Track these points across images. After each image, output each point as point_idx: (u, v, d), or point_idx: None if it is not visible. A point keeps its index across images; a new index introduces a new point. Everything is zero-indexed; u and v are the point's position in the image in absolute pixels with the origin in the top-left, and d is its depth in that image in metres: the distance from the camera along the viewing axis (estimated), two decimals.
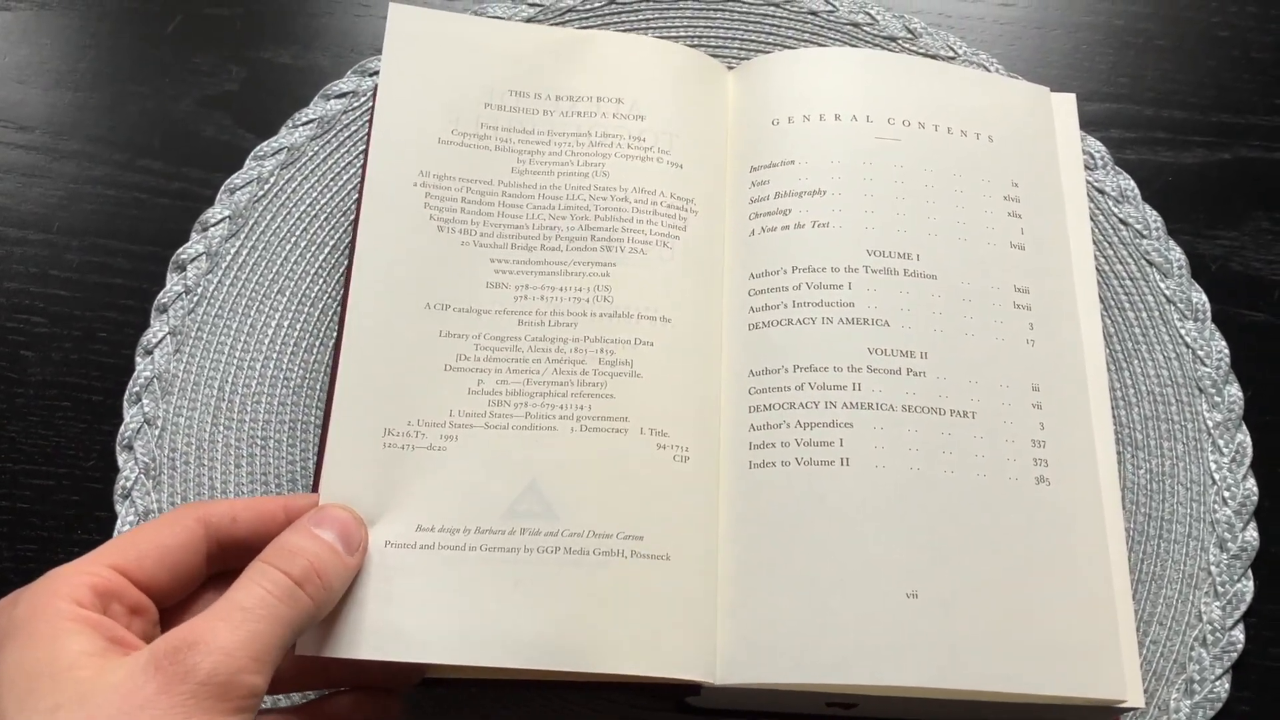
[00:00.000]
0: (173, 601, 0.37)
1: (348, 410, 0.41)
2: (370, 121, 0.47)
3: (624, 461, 0.41)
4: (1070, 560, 0.41)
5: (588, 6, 0.57)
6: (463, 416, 0.42)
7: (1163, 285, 0.51)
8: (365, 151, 0.49)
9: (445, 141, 0.46)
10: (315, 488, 0.41)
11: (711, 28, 0.57)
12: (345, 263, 0.51)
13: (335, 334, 0.48)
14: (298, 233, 0.52)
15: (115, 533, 0.46)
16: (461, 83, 0.48)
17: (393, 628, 0.38)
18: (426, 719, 0.44)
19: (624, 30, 0.56)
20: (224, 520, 0.37)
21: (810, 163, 0.47)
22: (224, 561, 0.38)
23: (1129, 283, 0.51)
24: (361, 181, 0.47)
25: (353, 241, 0.45)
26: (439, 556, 0.40)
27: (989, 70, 0.55)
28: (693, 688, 0.40)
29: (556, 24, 0.56)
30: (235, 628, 0.32)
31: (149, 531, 0.36)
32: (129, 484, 0.47)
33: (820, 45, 0.56)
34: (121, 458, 0.47)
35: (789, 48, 0.56)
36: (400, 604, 0.39)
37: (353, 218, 0.49)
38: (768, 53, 0.55)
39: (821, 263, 0.45)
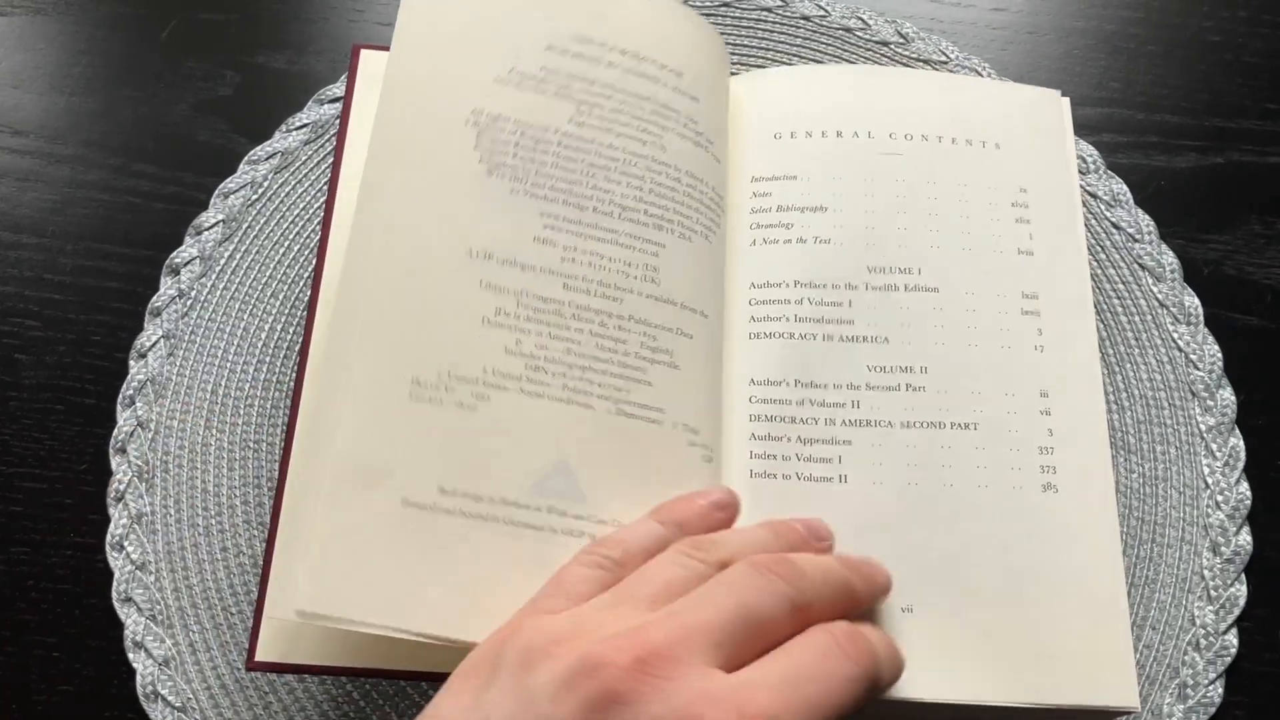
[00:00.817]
0: None
1: (373, 356, 0.39)
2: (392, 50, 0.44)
3: (657, 455, 0.40)
4: (1078, 566, 0.41)
5: None
6: (497, 376, 0.39)
7: (1155, 289, 0.51)
8: (347, 93, 0.48)
9: (502, 81, 0.43)
10: (284, 458, 0.40)
11: None
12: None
13: (310, 293, 0.47)
14: (291, 237, 0.52)
15: (107, 537, 0.46)
16: (525, 19, 0.45)
17: (409, 595, 0.36)
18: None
19: None
20: None
21: (812, 179, 0.47)
22: None
23: (1121, 287, 0.51)
24: (342, 126, 0.45)
25: (330, 198, 0.44)
26: (460, 523, 0.38)
27: (981, 75, 0.55)
28: None
29: None
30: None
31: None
32: (122, 487, 0.47)
33: (813, 51, 0.56)
34: (115, 461, 0.47)
35: (781, 53, 0.56)
36: (416, 570, 0.37)
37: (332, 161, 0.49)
38: (760, 58, 0.56)
39: (822, 279, 0.45)
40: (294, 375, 0.49)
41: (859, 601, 0.37)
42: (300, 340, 0.50)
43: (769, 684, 0.31)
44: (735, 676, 0.32)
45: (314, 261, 0.51)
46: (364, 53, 0.50)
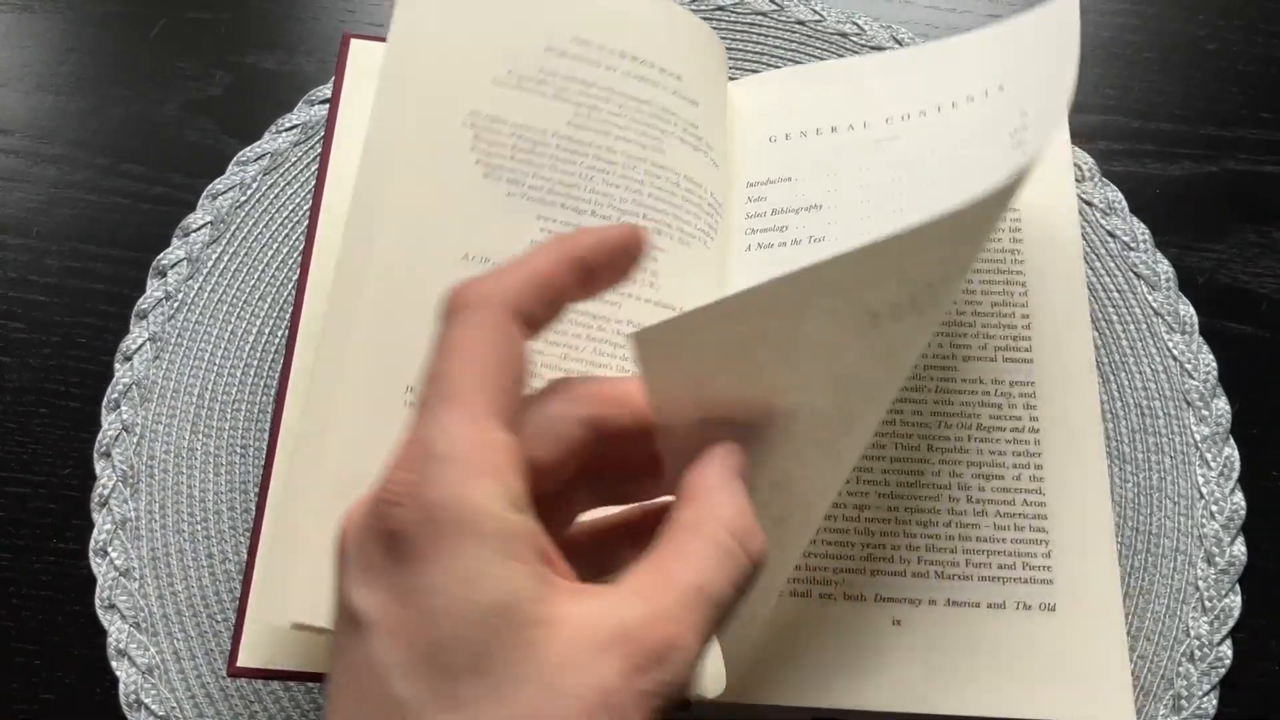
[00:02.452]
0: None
1: (367, 362, 0.38)
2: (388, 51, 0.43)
3: None
4: (1073, 579, 0.41)
5: None
6: None
7: (1150, 298, 0.51)
8: (336, 83, 0.48)
9: (500, 82, 0.43)
10: (269, 452, 0.40)
11: None
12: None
13: (294, 296, 0.47)
14: (280, 239, 0.51)
15: (91, 543, 0.45)
16: (523, 20, 0.44)
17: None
18: None
19: None
20: (534, 306, 0.28)
21: (806, 179, 0.47)
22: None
23: (1116, 295, 0.51)
24: (328, 129, 0.45)
25: (314, 204, 0.43)
26: None
27: None
28: (682, 704, 0.40)
29: None
30: (702, 632, 0.25)
31: (481, 354, 0.27)
32: (106, 492, 0.46)
33: (808, 55, 0.56)
34: (99, 465, 0.47)
35: (776, 58, 0.56)
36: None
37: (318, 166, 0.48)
38: (755, 63, 0.55)
39: None
40: (279, 378, 0.48)
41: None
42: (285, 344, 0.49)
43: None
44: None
45: (300, 261, 0.50)
46: (354, 43, 0.50)
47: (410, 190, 0.41)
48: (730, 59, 0.55)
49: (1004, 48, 0.47)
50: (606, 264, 0.30)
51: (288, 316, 0.50)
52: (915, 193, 0.45)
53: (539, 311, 0.28)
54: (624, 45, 0.45)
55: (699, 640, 0.25)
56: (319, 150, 0.53)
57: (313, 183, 0.52)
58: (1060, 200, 0.48)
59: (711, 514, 0.27)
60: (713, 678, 0.39)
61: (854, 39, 0.56)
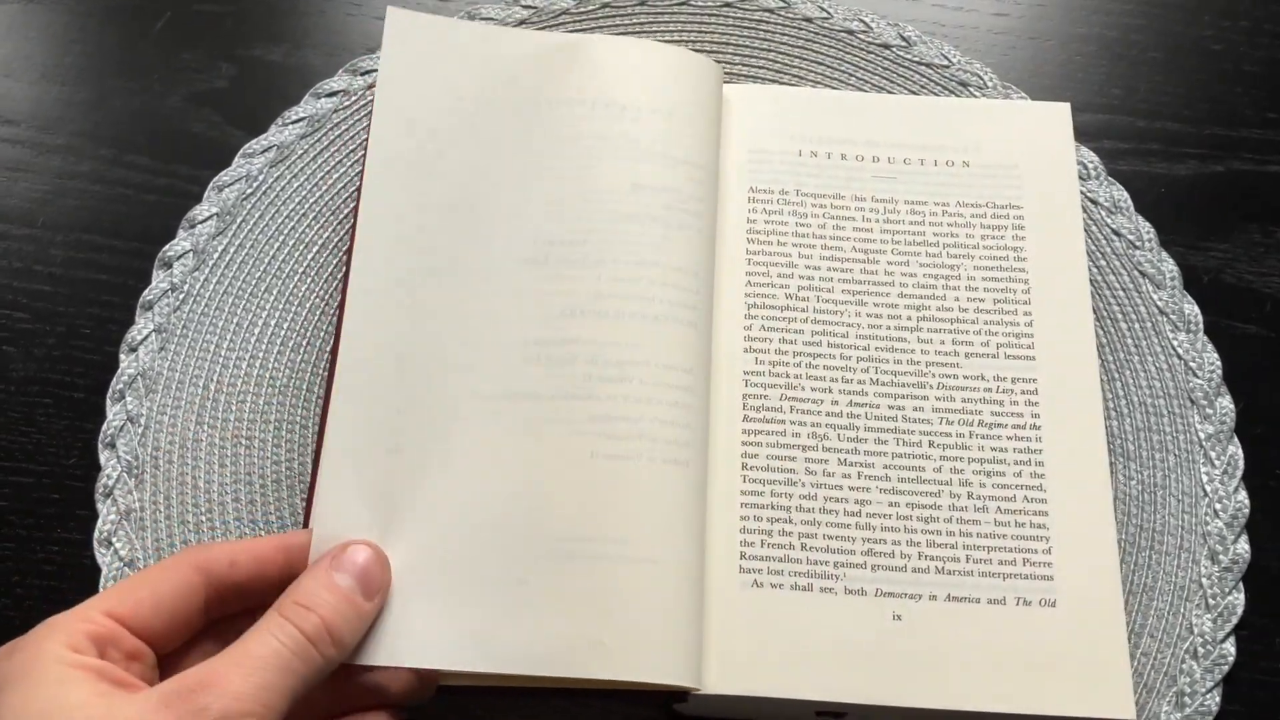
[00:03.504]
0: (171, 648, 0.37)
1: (348, 415, 0.42)
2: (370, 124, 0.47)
3: (613, 464, 0.41)
4: (1075, 575, 0.41)
5: (582, 9, 0.56)
6: (451, 421, 0.42)
7: (1155, 297, 0.51)
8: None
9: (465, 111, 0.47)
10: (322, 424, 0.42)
11: (705, 33, 0.56)
12: (341, 267, 0.50)
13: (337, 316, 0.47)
14: (285, 231, 0.51)
15: (95, 533, 0.45)
16: (459, 83, 0.47)
17: (387, 633, 0.38)
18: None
19: (620, 34, 0.56)
20: (222, 565, 0.37)
21: (811, 197, 0.47)
22: (223, 607, 0.38)
23: (1121, 294, 0.51)
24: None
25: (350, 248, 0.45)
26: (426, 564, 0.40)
27: (982, 79, 0.55)
28: (680, 694, 0.40)
29: (550, 27, 0.56)
30: (247, 675, 0.33)
31: (145, 578, 0.36)
32: (111, 482, 0.46)
33: (815, 53, 0.56)
34: (103, 456, 0.47)
35: (782, 55, 0.56)
36: (392, 609, 0.38)
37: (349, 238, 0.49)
38: (761, 59, 0.55)
39: (815, 297, 0.46)
40: (288, 373, 0.49)
41: None
42: (304, 337, 0.49)
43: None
44: None
45: (310, 256, 0.51)
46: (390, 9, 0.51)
47: (368, 249, 0.45)
48: (736, 56, 0.56)
49: (1010, 128, 0.50)
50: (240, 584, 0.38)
51: (294, 309, 0.50)
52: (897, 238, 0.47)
53: (232, 573, 0.37)
54: (556, 91, 0.47)
55: (244, 680, 0.32)
56: (326, 143, 0.53)
57: (319, 175, 0.52)
58: (1064, 198, 0.48)
59: (286, 591, 0.36)
60: (709, 673, 0.39)
61: (860, 36, 0.56)
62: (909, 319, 0.45)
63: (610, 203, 0.44)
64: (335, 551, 0.38)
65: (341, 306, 0.44)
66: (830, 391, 0.44)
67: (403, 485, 0.41)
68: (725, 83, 0.50)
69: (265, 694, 0.33)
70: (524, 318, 0.43)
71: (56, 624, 0.34)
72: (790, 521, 0.41)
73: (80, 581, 0.45)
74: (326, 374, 0.47)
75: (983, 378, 0.44)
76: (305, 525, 0.42)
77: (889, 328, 0.45)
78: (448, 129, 0.46)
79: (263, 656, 0.33)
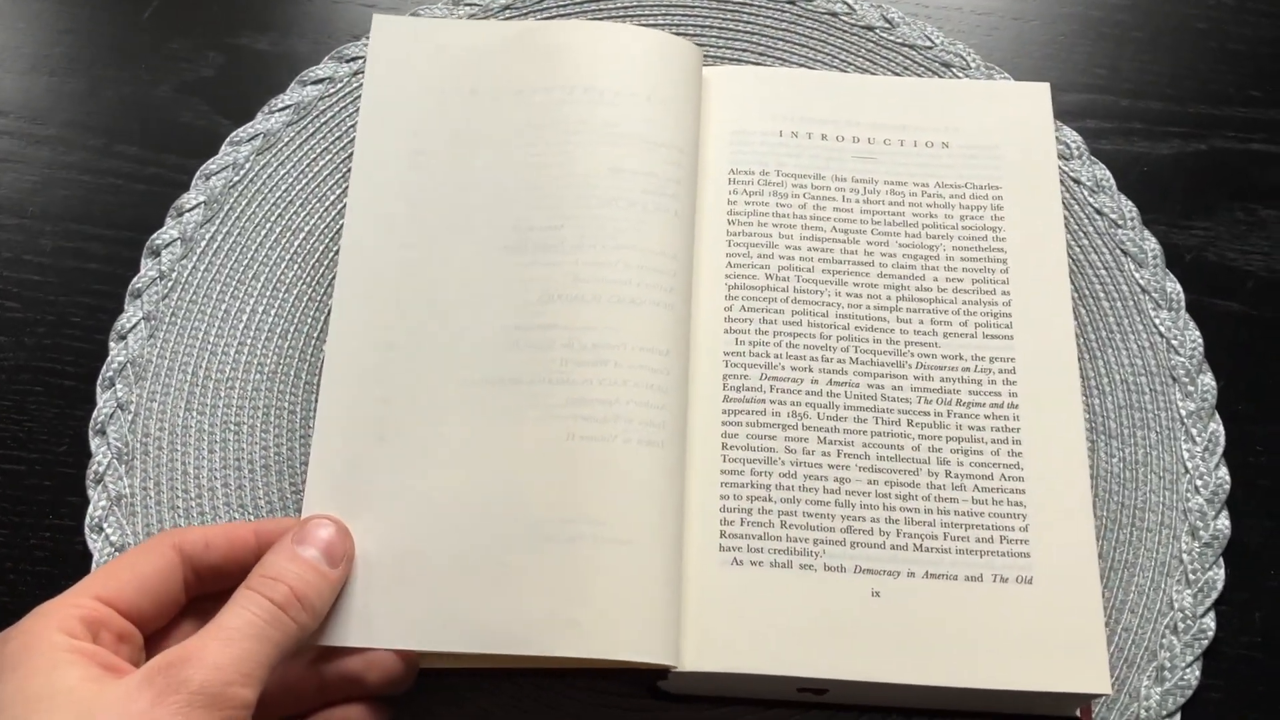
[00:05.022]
0: (155, 628, 0.38)
1: (335, 403, 0.43)
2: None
3: (590, 446, 0.41)
4: (1051, 551, 0.41)
5: None
6: (434, 409, 0.43)
7: (1137, 275, 0.51)
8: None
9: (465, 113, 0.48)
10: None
11: (689, 17, 0.56)
12: (327, 253, 0.51)
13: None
14: (273, 218, 0.52)
15: (86, 519, 0.46)
16: (478, 64, 0.48)
17: (365, 615, 0.39)
18: (399, 705, 0.44)
19: (600, 18, 0.56)
20: (197, 547, 0.39)
21: (791, 178, 0.47)
22: (200, 586, 0.39)
23: (1104, 272, 0.51)
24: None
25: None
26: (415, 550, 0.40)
27: (966, 60, 0.55)
28: (661, 672, 0.40)
29: (534, 13, 0.56)
30: (224, 646, 0.34)
31: (127, 562, 0.38)
32: (101, 469, 0.47)
33: (798, 36, 0.56)
34: (94, 443, 0.47)
35: (767, 37, 0.56)
36: (372, 591, 0.39)
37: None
38: (744, 41, 0.56)
39: (795, 277, 0.46)
40: (275, 359, 0.49)
41: None
42: (296, 321, 0.50)
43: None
44: None
45: (297, 243, 0.51)
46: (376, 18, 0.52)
47: (354, 242, 0.46)
48: (721, 39, 0.56)
49: (988, 108, 0.50)
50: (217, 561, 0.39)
51: (281, 295, 0.50)
52: (874, 219, 0.47)
53: (205, 555, 0.38)
54: (537, 80, 0.48)
55: (222, 650, 0.34)
56: (312, 130, 0.53)
57: (306, 162, 0.53)
58: (1043, 178, 0.48)
59: (255, 568, 0.37)
60: (688, 650, 0.39)
61: (844, 18, 0.57)
62: (888, 299, 0.45)
63: (588, 188, 0.45)
64: (297, 528, 0.39)
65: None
66: (810, 371, 0.44)
67: (388, 472, 0.41)
68: (707, 65, 0.51)
69: (243, 663, 0.34)
70: (504, 305, 0.43)
71: (50, 609, 0.35)
72: (770, 500, 0.42)
73: (72, 567, 0.46)
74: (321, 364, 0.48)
75: (961, 357, 0.44)
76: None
77: (868, 307, 0.45)
78: (432, 124, 0.47)
79: (237, 627, 0.35)
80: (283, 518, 0.42)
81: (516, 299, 0.43)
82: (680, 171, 0.46)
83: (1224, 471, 0.48)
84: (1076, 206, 0.52)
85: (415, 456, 0.42)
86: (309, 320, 0.50)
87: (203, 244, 0.51)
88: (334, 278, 0.50)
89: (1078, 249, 0.51)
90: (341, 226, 0.49)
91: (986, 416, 0.43)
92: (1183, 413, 0.49)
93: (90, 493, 0.47)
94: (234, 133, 0.53)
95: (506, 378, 0.42)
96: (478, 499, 0.41)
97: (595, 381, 0.42)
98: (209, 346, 0.49)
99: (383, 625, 0.39)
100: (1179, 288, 0.51)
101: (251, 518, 0.46)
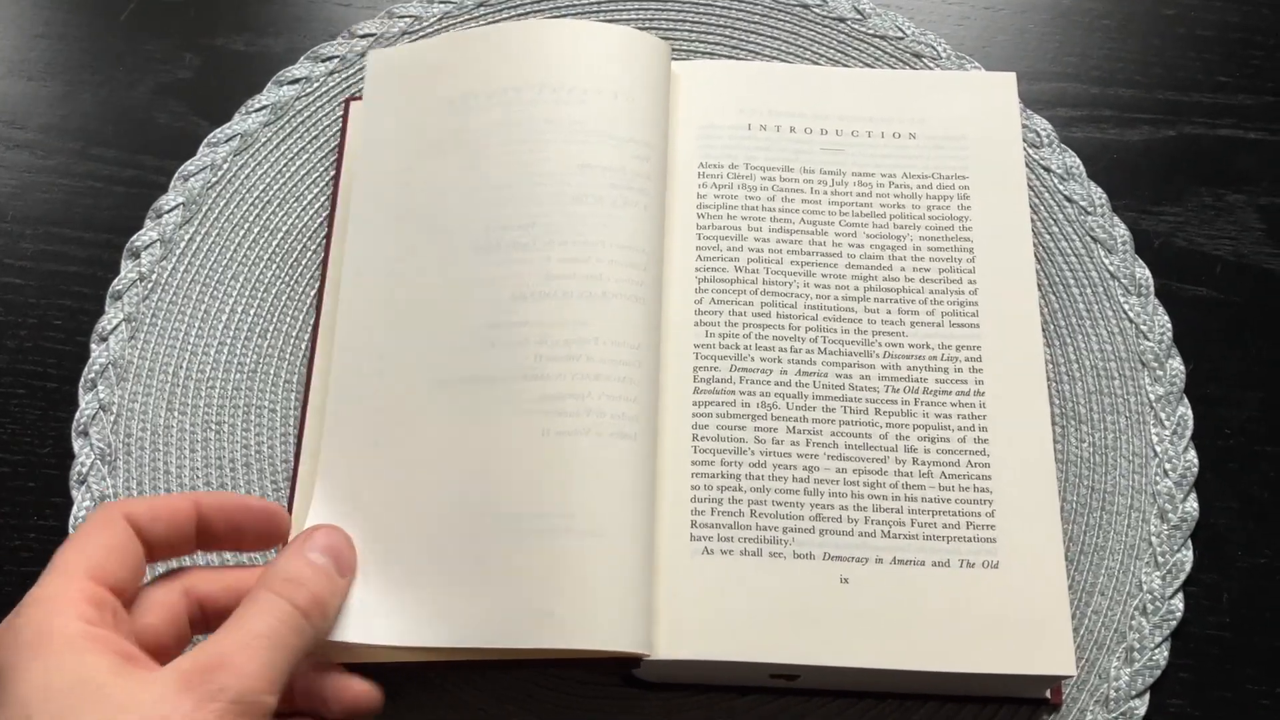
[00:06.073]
0: (131, 600, 0.37)
1: (337, 412, 0.44)
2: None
3: (562, 440, 0.41)
4: (1016, 536, 0.42)
5: None
6: (416, 410, 0.43)
7: (1107, 261, 0.52)
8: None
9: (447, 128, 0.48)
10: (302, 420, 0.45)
11: (661, 12, 0.57)
12: (305, 253, 0.51)
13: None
14: (251, 219, 0.52)
15: (71, 519, 0.46)
16: (469, 70, 0.48)
17: (353, 614, 0.39)
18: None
19: (577, 15, 0.57)
20: (144, 518, 0.37)
21: (760, 171, 0.48)
22: (150, 558, 0.38)
23: (1073, 259, 0.52)
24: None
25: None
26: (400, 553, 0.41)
27: (936, 50, 0.56)
28: (634, 661, 0.41)
29: (506, 10, 0.57)
30: (254, 655, 0.34)
31: (93, 538, 0.36)
32: (85, 469, 0.47)
33: (769, 28, 0.56)
34: (77, 444, 0.48)
35: (738, 31, 0.56)
36: (352, 589, 0.40)
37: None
38: (716, 35, 0.56)
39: (764, 269, 0.47)
40: (255, 359, 0.50)
41: None
42: (285, 320, 0.50)
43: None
44: None
45: (275, 242, 0.52)
46: (353, 105, 0.53)
47: (351, 266, 0.46)
48: (692, 33, 0.56)
49: (954, 99, 0.50)
50: (228, 524, 0.39)
51: (260, 295, 0.51)
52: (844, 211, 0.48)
53: (152, 526, 0.37)
54: (506, 80, 0.48)
55: (252, 659, 0.33)
56: (289, 130, 0.54)
57: (283, 161, 0.53)
58: (1009, 167, 0.49)
59: (268, 570, 0.37)
60: (661, 639, 0.40)
61: (815, 10, 0.57)
62: (856, 289, 0.46)
63: (556, 185, 0.45)
64: (303, 536, 0.39)
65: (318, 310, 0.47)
66: (779, 361, 0.44)
67: (376, 474, 0.42)
68: (678, 59, 0.51)
69: (271, 672, 0.34)
70: (479, 305, 0.44)
71: (55, 594, 0.34)
72: (740, 489, 0.42)
73: None
74: (306, 365, 0.49)
75: (928, 346, 0.45)
76: (289, 507, 0.45)
77: (836, 298, 0.46)
78: (411, 140, 0.48)
79: (264, 635, 0.34)
80: (222, 491, 0.44)
81: (490, 298, 0.44)
82: (649, 166, 0.46)
83: (1192, 454, 0.48)
84: (1047, 194, 0.53)
85: (399, 459, 0.42)
86: (288, 319, 0.50)
87: (182, 245, 0.52)
88: (312, 277, 0.51)
89: (1048, 236, 0.52)
90: (320, 225, 0.49)
91: (953, 404, 0.44)
92: (1152, 397, 0.49)
93: (74, 493, 0.47)
94: (211, 134, 0.54)
95: (482, 376, 0.43)
96: (455, 497, 0.41)
97: (568, 376, 0.42)
98: (190, 347, 0.50)
99: (363, 623, 0.39)
100: (1148, 273, 0.51)
101: None
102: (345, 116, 0.53)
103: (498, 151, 0.46)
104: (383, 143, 0.48)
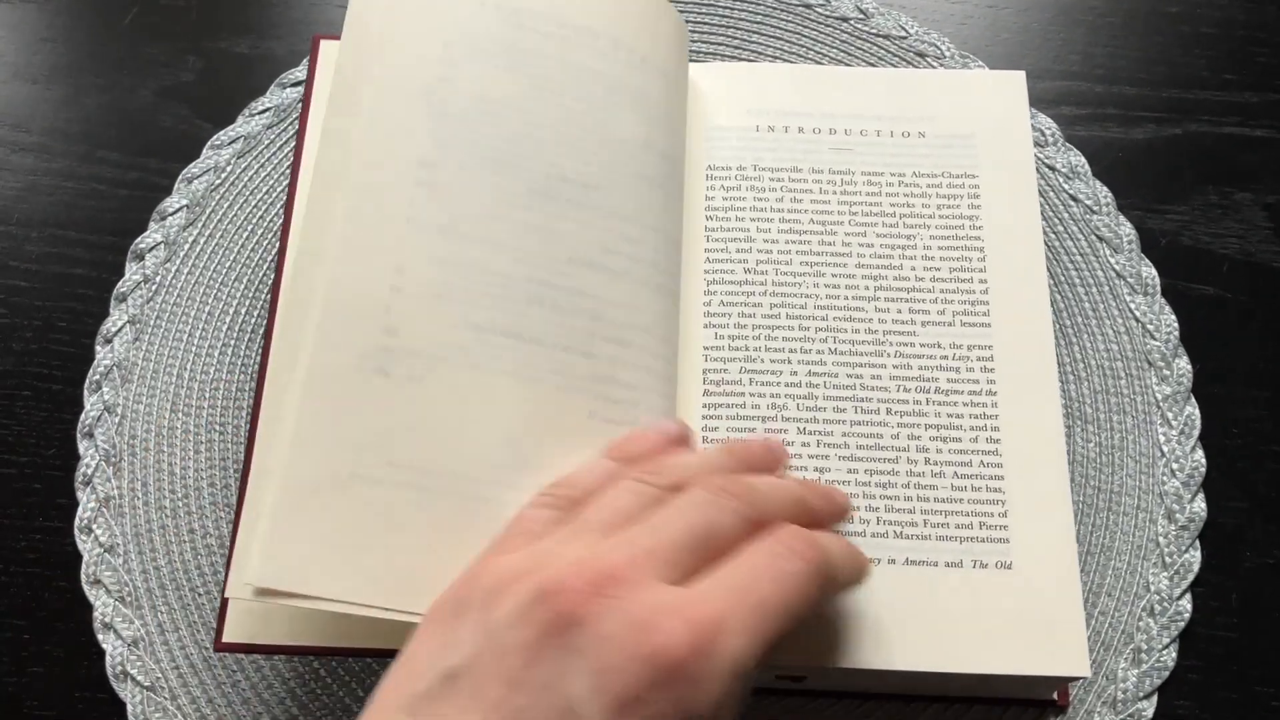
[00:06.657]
0: None
1: (323, 329, 0.39)
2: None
3: (608, 428, 0.40)
4: (1030, 537, 0.42)
5: None
6: (446, 349, 0.39)
7: (1113, 260, 0.52)
8: (307, 85, 0.51)
9: (451, 60, 0.43)
10: (250, 442, 0.42)
11: None
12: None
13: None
14: (254, 221, 0.52)
15: (75, 521, 0.46)
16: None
17: (360, 569, 0.36)
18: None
19: None
20: None
21: (768, 172, 0.48)
22: None
23: (1079, 258, 0.52)
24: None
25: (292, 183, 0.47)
26: (411, 496, 0.38)
27: (940, 49, 0.56)
28: None
29: None
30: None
31: None
32: (90, 471, 0.47)
33: (772, 27, 0.56)
34: (82, 445, 0.48)
35: (741, 31, 0.56)
36: (368, 544, 0.37)
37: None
38: (720, 35, 0.56)
39: (773, 270, 0.46)
40: (258, 359, 0.49)
41: (817, 519, 0.37)
42: (265, 323, 0.50)
43: (717, 591, 0.32)
44: (686, 588, 0.32)
45: (278, 245, 0.51)
46: (324, 44, 0.52)
47: (368, 166, 0.41)
48: (695, 34, 0.56)
49: (965, 99, 0.50)
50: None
51: (264, 297, 0.51)
52: (855, 210, 0.48)
53: None
54: (578, 19, 0.44)
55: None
56: (292, 132, 0.54)
57: (287, 164, 0.53)
58: (1018, 166, 0.49)
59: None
60: None
61: (819, 10, 0.57)
62: (866, 289, 0.46)
63: (624, 154, 0.43)
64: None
65: (285, 227, 0.46)
66: (789, 362, 0.44)
67: (386, 409, 0.38)
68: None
69: None
70: (526, 253, 0.41)
71: None
72: None
73: (62, 568, 0.46)
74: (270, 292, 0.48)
75: (939, 345, 0.45)
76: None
77: (847, 298, 0.46)
78: (453, 33, 0.43)
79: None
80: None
81: (541, 252, 0.41)
82: (681, 165, 0.46)
83: (1200, 454, 0.48)
84: (1052, 193, 0.53)
85: (416, 396, 0.38)
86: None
87: (185, 247, 0.51)
88: None
89: (1053, 235, 0.52)
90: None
91: (965, 404, 0.44)
92: (1158, 396, 0.49)
93: (79, 494, 0.47)
94: (215, 136, 0.54)
95: (526, 334, 0.40)
96: (478, 455, 0.38)
97: (620, 362, 0.41)
98: (194, 348, 0.50)
99: (373, 585, 0.36)
100: (1154, 272, 0.51)
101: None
102: (313, 57, 0.52)
103: (558, 91, 0.43)
104: (406, 33, 0.42)
